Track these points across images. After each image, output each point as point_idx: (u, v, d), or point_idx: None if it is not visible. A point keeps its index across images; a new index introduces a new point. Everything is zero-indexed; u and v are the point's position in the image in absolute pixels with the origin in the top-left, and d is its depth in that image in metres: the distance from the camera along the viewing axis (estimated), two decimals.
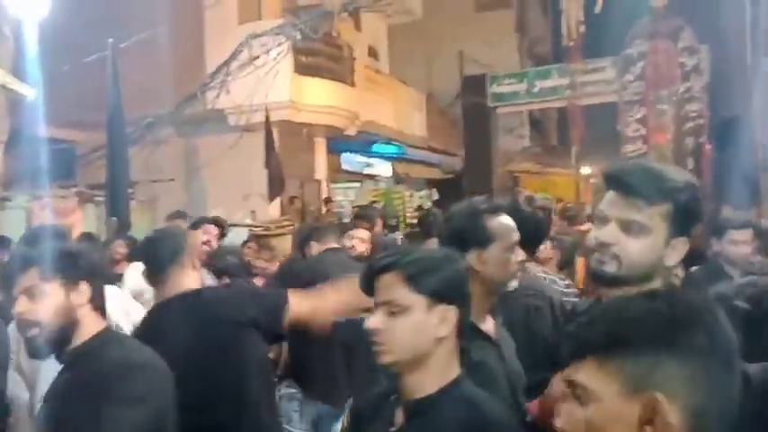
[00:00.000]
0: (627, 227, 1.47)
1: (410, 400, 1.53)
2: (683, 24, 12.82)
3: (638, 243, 1.46)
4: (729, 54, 4.14)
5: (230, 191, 10.52)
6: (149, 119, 9.06)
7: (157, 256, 2.50)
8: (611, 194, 1.52)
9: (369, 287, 1.58)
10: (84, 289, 1.81)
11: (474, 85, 16.47)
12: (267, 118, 9.48)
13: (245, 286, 3.37)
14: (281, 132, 11.04)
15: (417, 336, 1.50)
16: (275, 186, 9.69)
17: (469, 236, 1.97)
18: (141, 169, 9.35)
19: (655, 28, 13.05)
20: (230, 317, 2.42)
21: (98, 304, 1.86)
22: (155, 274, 2.51)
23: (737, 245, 3.29)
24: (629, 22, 13.63)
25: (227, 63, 8.32)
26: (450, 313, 1.53)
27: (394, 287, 1.52)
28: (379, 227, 6.09)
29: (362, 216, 5.83)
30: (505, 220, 2.04)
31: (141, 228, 7.20)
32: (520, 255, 2.05)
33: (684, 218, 1.48)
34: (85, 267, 1.83)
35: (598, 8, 6.10)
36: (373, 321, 1.52)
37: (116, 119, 6.82)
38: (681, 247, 1.50)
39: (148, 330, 2.42)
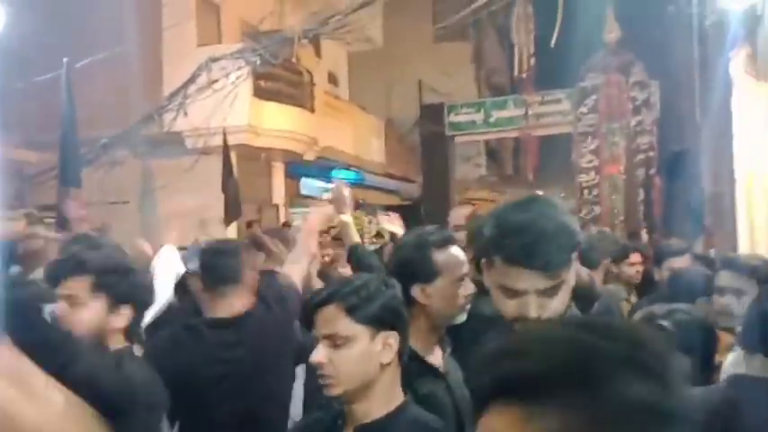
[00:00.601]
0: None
1: (357, 425, 1.54)
2: (634, 59, 13.27)
3: None
4: (678, 89, 4.31)
5: (186, 215, 10.34)
6: (104, 140, 8.90)
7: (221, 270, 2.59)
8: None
9: (309, 322, 1.58)
10: (126, 313, 1.77)
11: (432, 114, 16.71)
12: (225, 141, 9.40)
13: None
14: (239, 156, 10.96)
15: (363, 365, 1.52)
16: (232, 211, 9.59)
17: (416, 268, 1.95)
18: (95, 191, 9.15)
19: (607, 62, 13.46)
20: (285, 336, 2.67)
21: (132, 329, 1.81)
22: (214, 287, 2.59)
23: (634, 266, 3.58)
24: (584, 56, 14.05)
25: (185, 85, 8.26)
26: (391, 339, 1.55)
27: (335, 320, 1.53)
28: None
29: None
30: (455, 252, 2.02)
31: None
32: (469, 288, 2.01)
33: None
34: (133, 290, 1.78)
35: (552, 42, 6.29)
36: (318, 355, 1.53)
37: (69, 139, 6.67)
38: None
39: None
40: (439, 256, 1.98)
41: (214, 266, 2.59)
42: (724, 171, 5.16)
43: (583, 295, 3.14)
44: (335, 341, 1.52)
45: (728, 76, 5.30)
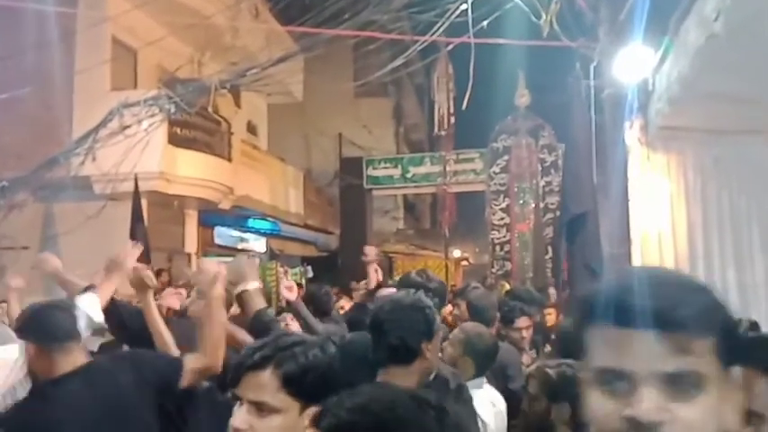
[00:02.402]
0: None
1: None
2: (543, 123, 13.93)
3: None
4: (578, 155, 4.55)
5: (90, 262, 9.89)
6: (3, 182, 8.47)
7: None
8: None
9: (234, 381, 1.46)
10: None
11: (351, 167, 16.88)
12: (136, 187, 9.17)
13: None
14: (151, 203, 10.69)
15: None
16: (140, 259, 9.24)
17: (425, 327, 2.16)
18: None
19: (518, 125, 14.07)
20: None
21: None
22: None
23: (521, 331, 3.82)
24: (497, 118, 14.64)
25: (95, 129, 8.01)
26: None
27: (267, 388, 1.42)
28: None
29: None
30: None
31: None
32: None
33: None
34: None
35: (464, 105, 6.54)
36: (239, 420, 1.41)
37: None
38: None
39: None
40: (437, 317, 2.23)
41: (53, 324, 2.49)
42: (620, 233, 5.40)
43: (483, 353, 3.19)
44: (261, 409, 1.40)
45: (624, 144, 5.61)
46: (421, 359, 2.13)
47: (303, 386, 1.43)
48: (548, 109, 13.28)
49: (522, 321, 3.94)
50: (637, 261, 5.84)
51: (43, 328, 2.47)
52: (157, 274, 10.95)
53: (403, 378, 2.07)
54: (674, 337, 0.81)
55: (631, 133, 5.79)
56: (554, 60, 6.68)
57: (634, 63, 5.20)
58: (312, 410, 1.42)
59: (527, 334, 3.94)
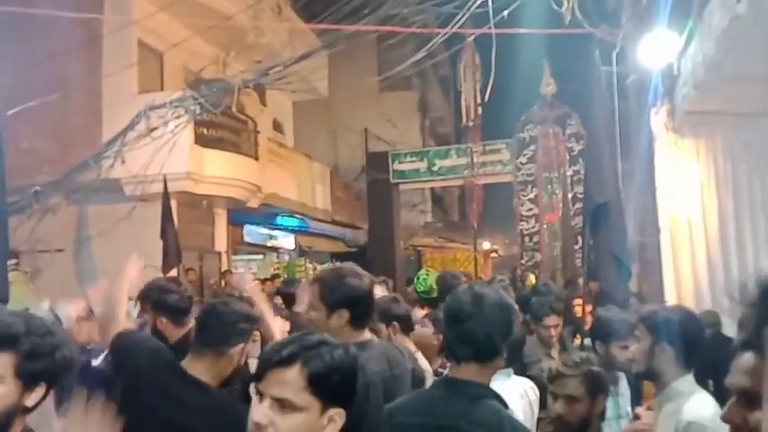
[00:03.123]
0: None
1: None
2: (570, 112, 13.76)
3: None
4: (602, 143, 4.51)
5: (123, 263, 10.09)
6: (36, 187, 8.66)
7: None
8: None
9: (259, 376, 1.47)
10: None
11: (377, 162, 16.88)
12: (165, 188, 9.27)
13: None
14: (180, 203, 10.82)
15: None
16: (171, 258, 9.37)
17: None
18: (26, 239, 8.85)
19: (544, 114, 13.93)
20: None
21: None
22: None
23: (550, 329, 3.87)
24: (522, 108, 14.50)
25: (123, 132, 8.14)
26: (339, 416, 1.47)
27: (292, 386, 1.43)
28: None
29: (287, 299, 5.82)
30: None
31: (21, 300, 6.73)
32: None
33: None
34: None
35: (487, 96, 6.51)
36: (260, 415, 1.43)
37: None
38: None
39: None
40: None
41: None
42: (648, 221, 5.34)
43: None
44: (284, 406, 1.42)
45: (650, 131, 5.54)
46: (499, 358, 2.12)
47: (327, 386, 1.45)
48: (573, 97, 13.12)
49: (552, 320, 3.92)
50: (666, 249, 5.77)
51: None
52: (186, 272, 11.15)
53: (479, 375, 2.09)
54: None
55: (657, 119, 5.72)
56: (577, 48, 6.60)
57: (658, 48, 5.13)
58: (332, 412, 1.45)
59: (555, 332, 3.93)
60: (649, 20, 5.32)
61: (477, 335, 2.06)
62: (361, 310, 2.53)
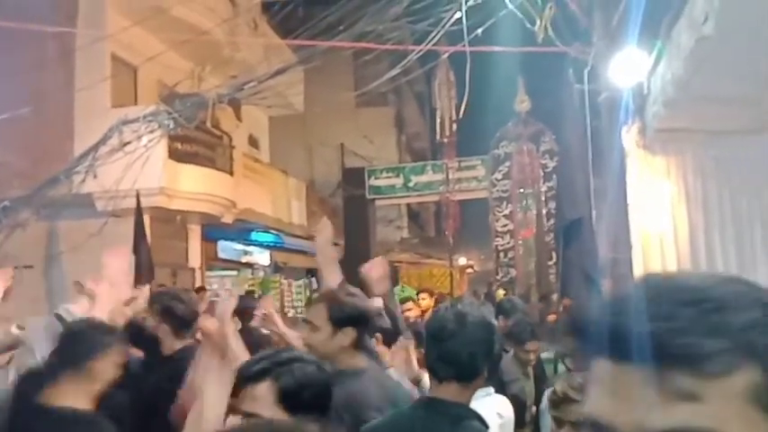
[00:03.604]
0: None
1: None
2: (543, 128, 13.93)
3: None
4: (574, 160, 4.56)
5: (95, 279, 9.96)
6: (5, 202, 8.50)
7: None
8: None
9: (235, 392, 1.48)
10: None
11: (354, 177, 16.91)
12: (138, 203, 9.18)
13: None
14: (154, 219, 10.71)
15: None
16: (144, 275, 9.24)
17: None
18: None
19: (519, 131, 14.08)
20: None
21: None
22: None
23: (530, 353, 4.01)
24: (497, 124, 14.66)
25: (95, 147, 8.04)
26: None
27: (263, 401, 1.44)
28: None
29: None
30: None
31: None
32: None
33: None
34: None
35: (462, 112, 6.57)
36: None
37: None
38: None
39: None
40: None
41: None
42: (620, 237, 5.39)
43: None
44: (255, 420, 1.42)
45: (622, 147, 5.61)
46: (480, 377, 2.10)
47: (298, 402, 1.46)
48: (547, 114, 13.31)
49: (533, 345, 3.98)
50: (638, 265, 5.83)
51: None
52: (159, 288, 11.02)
53: (460, 395, 2.06)
54: (678, 376, 0.54)
55: (629, 137, 5.79)
56: (551, 66, 6.69)
57: (628, 66, 5.21)
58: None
59: (534, 356, 3.98)
60: (620, 39, 5.41)
61: (461, 355, 2.04)
62: (365, 329, 2.56)
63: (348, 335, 2.48)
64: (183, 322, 3.26)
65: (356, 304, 2.54)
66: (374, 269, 3.65)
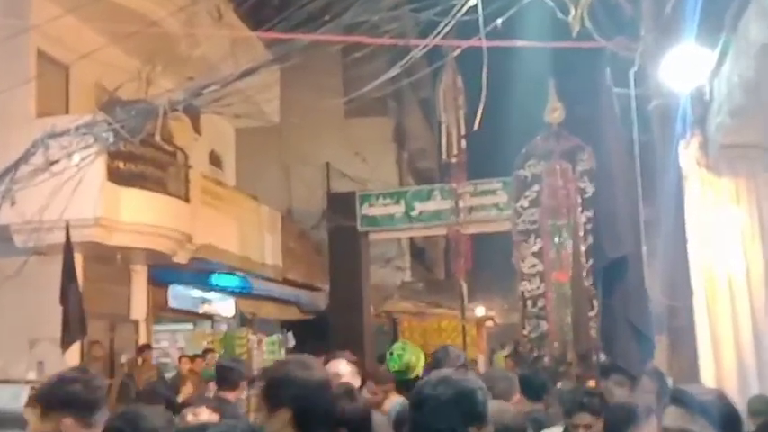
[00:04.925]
0: None
1: None
2: (582, 144, 13.95)
3: None
4: (614, 183, 4.59)
5: (11, 334, 9.94)
6: None
7: None
8: None
9: None
10: None
11: (342, 205, 16.93)
12: (67, 238, 9.19)
13: None
14: (87, 257, 10.72)
15: None
16: (73, 329, 9.25)
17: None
18: None
19: (550, 147, 14.12)
20: None
21: None
22: None
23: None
24: (522, 139, 14.71)
25: (14, 166, 8.06)
26: None
27: None
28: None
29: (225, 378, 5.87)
30: None
31: None
32: None
33: None
34: None
35: (476, 124, 6.60)
36: None
37: None
38: None
39: None
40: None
41: None
42: (678, 281, 5.40)
43: None
44: None
45: (679, 168, 5.65)
46: None
47: None
48: (584, 126, 13.35)
49: (581, 418, 3.98)
50: (701, 315, 5.82)
51: None
52: (91, 347, 10.96)
53: None
54: None
55: (687, 154, 5.84)
56: (588, 66, 6.76)
57: (685, 67, 5.27)
58: None
59: None
60: (675, 32, 5.47)
61: (438, 423, 2.32)
62: (307, 410, 2.57)
63: (281, 418, 2.55)
64: (84, 405, 3.14)
65: (294, 377, 2.59)
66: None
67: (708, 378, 5.52)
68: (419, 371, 5.09)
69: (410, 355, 5.21)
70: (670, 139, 5.55)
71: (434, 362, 4.86)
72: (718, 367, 5.69)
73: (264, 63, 8.93)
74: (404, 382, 5.19)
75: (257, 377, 2.97)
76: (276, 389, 2.60)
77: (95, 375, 3.34)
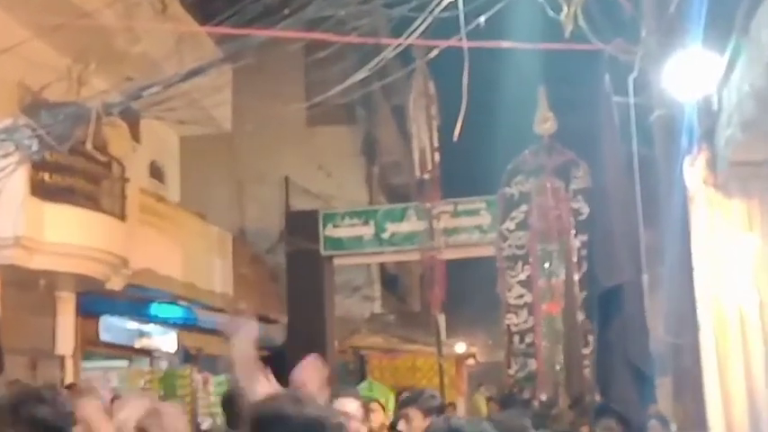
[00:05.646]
0: None
1: None
2: (576, 159, 14.07)
3: None
4: (611, 203, 4.61)
5: None
6: None
7: None
8: None
9: None
10: None
11: (303, 225, 16.91)
12: None
13: None
14: (5, 282, 10.60)
15: None
16: None
17: None
18: None
19: (540, 162, 14.22)
20: None
21: None
22: None
23: None
24: (509, 153, 14.80)
25: None
26: None
27: None
28: None
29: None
30: None
31: None
32: None
33: None
34: None
35: (456, 133, 6.60)
36: None
37: None
38: None
39: None
40: None
41: None
42: (684, 315, 5.43)
43: None
44: None
45: (684, 187, 5.70)
46: None
47: None
48: (578, 139, 13.46)
49: None
50: (710, 354, 5.86)
51: None
52: (10, 386, 10.80)
53: None
54: None
55: (693, 172, 5.89)
56: (583, 71, 6.82)
57: (691, 73, 5.33)
58: None
59: None
60: (679, 34, 5.54)
61: None
62: None
63: None
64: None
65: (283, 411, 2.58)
66: (308, 375, 3.75)
67: (716, 427, 5.54)
68: (389, 415, 5.08)
69: (378, 397, 5.20)
70: (674, 155, 5.60)
71: (404, 406, 4.85)
72: (728, 414, 5.71)
73: (214, 62, 8.93)
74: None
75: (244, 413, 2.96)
76: (266, 427, 2.57)
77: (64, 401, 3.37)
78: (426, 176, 14.62)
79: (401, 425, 5.14)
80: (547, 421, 10.21)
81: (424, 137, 14.30)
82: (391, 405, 5.34)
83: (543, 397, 13.24)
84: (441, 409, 5.36)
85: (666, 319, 5.36)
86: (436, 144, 14.29)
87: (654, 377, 4.66)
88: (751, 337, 5.85)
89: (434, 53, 6.93)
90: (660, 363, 5.01)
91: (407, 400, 5.21)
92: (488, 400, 18.34)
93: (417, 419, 4.93)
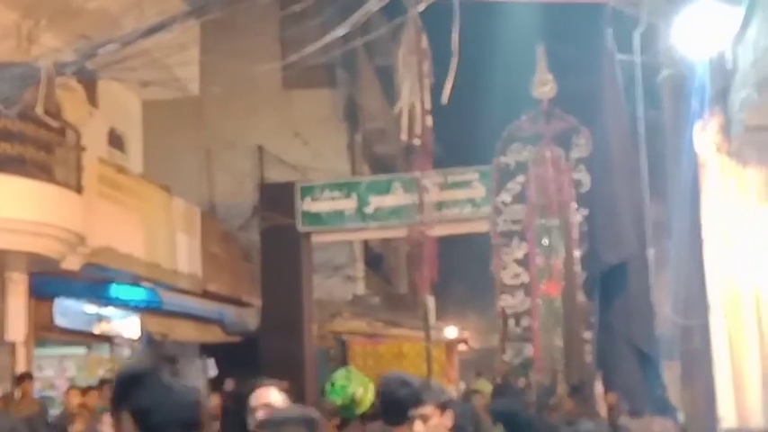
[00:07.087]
0: None
1: None
2: (577, 125, 14.09)
3: None
4: (613, 173, 4.60)
5: None
6: None
7: None
8: None
9: None
10: None
11: (278, 198, 16.88)
12: None
13: None
14: None
15: None
16: None
17: None
18: None
19: (538, 129, 14.23)
20: None
21: None
22: None
23: None
24: (504, 119, 14.80)
25: None
26: None
27: None
28: None
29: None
30: None
31: None
32: None
33: None
34: None
35: (445, 95, 6.59)
36: None
37: None
38: None
39: None
40: None
41: None
42: (692, 295, 5.46)
43: None
44: None
45: (694, 154, 5.71)
46: None
47: None
48: (581, 103, 13.46)
49: None
50: (720, 337, 5.89)
51: None
52: None
53: None
54: None
55: (705, 136, 5.91)
56: (585, 27, 6.81)
57: (703, 28, 5.32)
58: None
59: None
60: None
61: None
62: None
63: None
64: None
65: None
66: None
67: (727, 413, 5.59)
68: (367, 405, 5.08)
69: (356, 386, 5.19)
70: (684, 119, 5.61)
71: (384, 395, 4.84)
72: (740, 400, 5.76)
73: (179, 16, 8.87)
74: (349, 420, 5.19)
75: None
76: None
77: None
78: (416, 142, 14.57)
79: (417, 426, 5.07)
80: (544, 411, 10.31)
81: (414, 97, 14.23)
82: (370, 395, 5.31)
83: (540, 384, 13.32)
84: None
85: (674, 299, 5.38)
86: (428, 106, 14.25)
87: (660, 361, 4.68)
88: (766, 317, 5.89)
89: (423, 5, 6.92)
90: (667, 346, 5.02)
91: (387, 396, 5.18)
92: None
93: (435, 417, 4.85)
